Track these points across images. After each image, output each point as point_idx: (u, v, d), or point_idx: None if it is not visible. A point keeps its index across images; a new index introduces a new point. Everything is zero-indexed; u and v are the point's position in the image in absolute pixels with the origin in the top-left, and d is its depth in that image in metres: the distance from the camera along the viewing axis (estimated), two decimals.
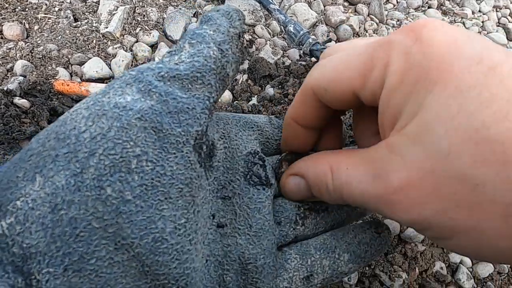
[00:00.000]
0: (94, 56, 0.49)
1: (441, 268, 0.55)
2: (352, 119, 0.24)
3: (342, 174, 0.19)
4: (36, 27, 0.52)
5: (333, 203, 0.21)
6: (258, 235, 0.21)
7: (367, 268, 0.52)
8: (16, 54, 0.47)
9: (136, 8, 0.55)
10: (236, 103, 0.49)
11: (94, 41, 0.50)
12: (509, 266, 0.60)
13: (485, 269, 0.58)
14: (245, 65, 0.55)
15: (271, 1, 0.54)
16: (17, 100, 0.40)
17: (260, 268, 0.21)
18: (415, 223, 0.17)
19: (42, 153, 0.17)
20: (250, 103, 0.52)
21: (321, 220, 0.24)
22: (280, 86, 0.51)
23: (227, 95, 0.51)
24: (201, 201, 0.20)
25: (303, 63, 0.54)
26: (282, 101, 0.49)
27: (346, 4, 0.65)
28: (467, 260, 0.58)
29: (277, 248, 0.22)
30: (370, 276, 0.52)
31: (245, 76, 0.54)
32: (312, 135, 0.23)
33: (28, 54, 0.48)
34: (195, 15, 0.57)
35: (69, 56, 0.48)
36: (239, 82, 0.55)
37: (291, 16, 0.58)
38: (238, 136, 0.23)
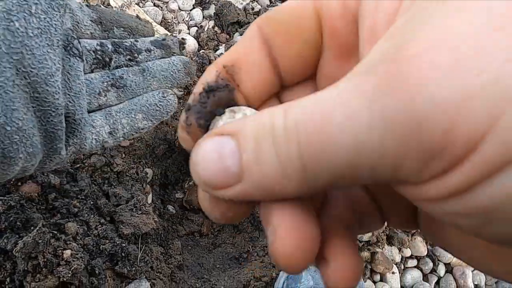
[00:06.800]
0: None
1: None
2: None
3: (309, 117, 0.11)
4: None
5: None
6: (77, 96, 0.27)
7: None
8: None
9: None
10: (202, 52, 0.45)
11: None
12: None
13: None
14: (212, 11, 0.51)
15: None
16: None
17: (78, 121, 0.27)
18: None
19: None
20: (218, 52, 0.48)
21: (122, 95, 0.30)
22: None
23: (192, 44, 0.47)
24: None
25: None
26: None
27: None
28: None
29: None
30: None
31: (212, 23, 0.50)
32: None
33: None
34: None
35: None
36: (205, 29, 0.50)
37: None
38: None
